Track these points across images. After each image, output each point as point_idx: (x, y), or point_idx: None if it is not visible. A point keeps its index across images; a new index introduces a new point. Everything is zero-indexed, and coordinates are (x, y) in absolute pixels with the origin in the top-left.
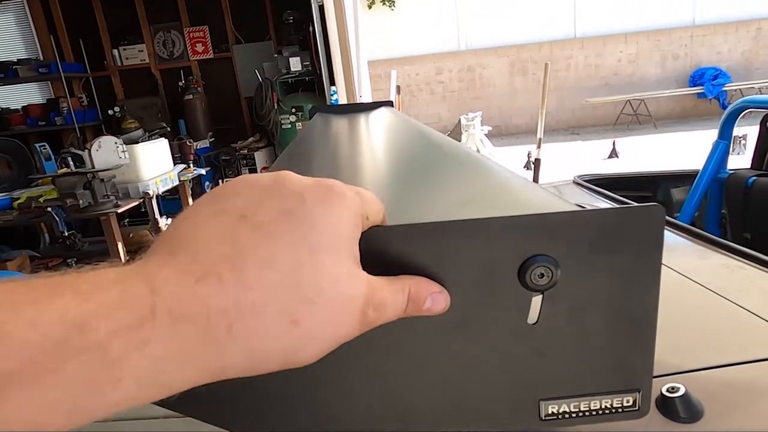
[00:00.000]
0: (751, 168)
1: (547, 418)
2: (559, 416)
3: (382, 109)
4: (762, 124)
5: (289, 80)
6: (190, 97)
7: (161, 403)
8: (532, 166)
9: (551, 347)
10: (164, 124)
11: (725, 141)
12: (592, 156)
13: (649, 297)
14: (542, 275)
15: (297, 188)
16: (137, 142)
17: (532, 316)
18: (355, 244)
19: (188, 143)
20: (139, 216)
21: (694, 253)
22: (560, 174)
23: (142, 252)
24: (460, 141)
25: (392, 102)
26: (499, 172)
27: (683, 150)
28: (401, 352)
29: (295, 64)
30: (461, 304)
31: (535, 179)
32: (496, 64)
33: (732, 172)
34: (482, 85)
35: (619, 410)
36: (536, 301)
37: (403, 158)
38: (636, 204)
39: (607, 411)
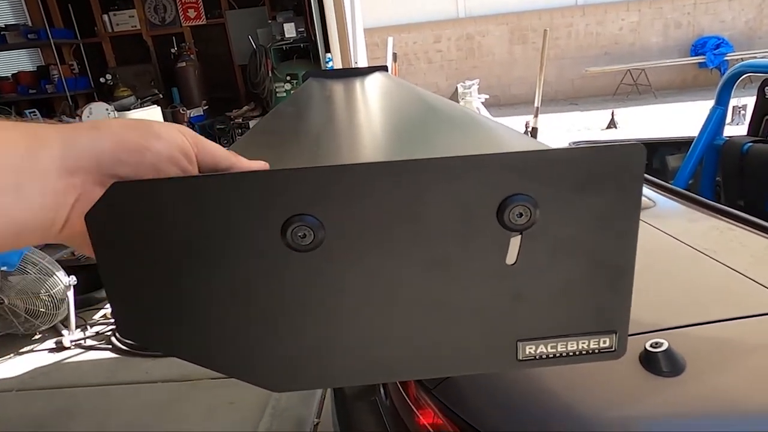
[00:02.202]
0: (748, 134)
1: (524, 359)
2: (537, 357)
3: (377, 74)
4: (760, 89)
5: (284, 47)
6: (183, 64)
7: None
8: (529, 135)
9: (529, 288)
10: (156, 91)
11: (722, 107)
12: (591, 126)
13: (628, 238)
14: (521, 215)
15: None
16: (129, 109)
17: (511, 256)
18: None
19: (182, 111)
20: None
21: (686, 216)
22: (561, 142)
23: None
24: None
25: (387, 67)
26: (492, 126)
27: (682, 121)
28: (374, 296)
29: (290, 30)
30: (438, 245)
31: None
32: (495, 32)
33: (728, 138)
34: (481, 53)
35: (596, 351)
36: (515, 241)
37: (397, 117)
38: (617, 143)
39: (584, 352)
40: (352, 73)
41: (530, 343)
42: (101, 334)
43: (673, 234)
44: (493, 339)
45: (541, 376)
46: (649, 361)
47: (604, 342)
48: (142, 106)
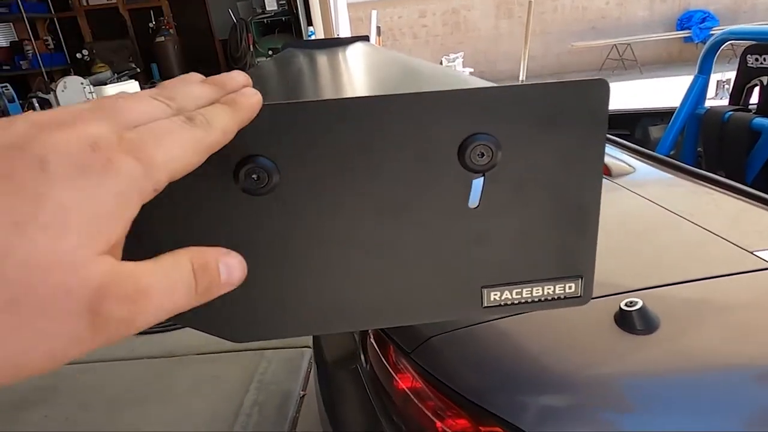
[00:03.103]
0: (730, 104)
1: (489, 305)
2: (502, 304)
3: (358, 43)
4: (742, 58)
5: (265, 20)
6: (162, 39)
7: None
8: None
9: (493, 232)
10: (134, 66)
11: (704, 76)
12: None
13: (593, 179)
14: (483, 154)
15: (43, 148)
16: (106, 84)
17: (473, 199)
18: (112, 225)
19: None
20: None
21: (664, 181)
22: None
23: None
24: None
25: (368, 37)
26: (469, 77)
27: (668, 96)
28: (332, 242)
29: (271, 3)
30: (397, 187)
31: None
32: (481, 6)
33: (709, 108)
34: (467, 28)
35: (562, 297)
36: (477, 183)
37: (373, 73)
38: (575, 80)
39: (549, 298)
40: (333, 43)
41: (495, 289)
42: None
43: (651, 198)
44: (456, 285)
45: (519, 337)
46: (623, 319)
47: (570, 287)
48: (119, 80)
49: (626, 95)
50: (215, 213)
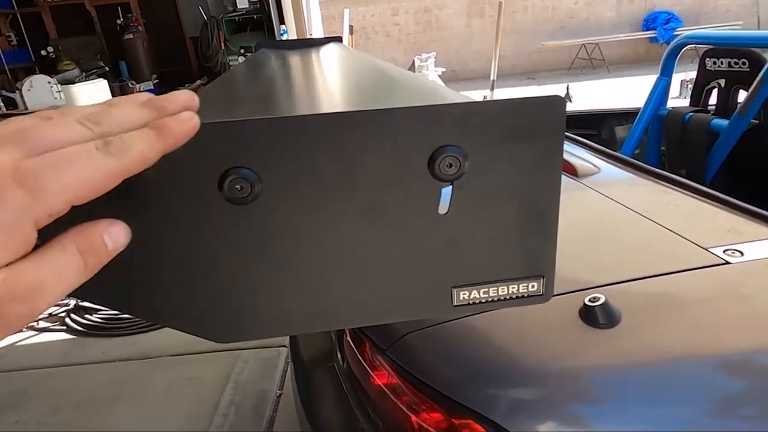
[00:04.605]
0: (691, 105)
1: (458, 304)
2: (470, 303)
3: (331, 44)
4: (701, 61)
5: (237, 18)
6: (131, 36)
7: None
8: None
9: (461, 236)
10: (102, 64)
11: (666, 78)
12: None
13: (552, 187)
14: (451, 165)
15: None
16: (74, 83)
17: (443, 206)
18: (2, 250)
19: (131, 85)
20: None
21: (627, 181)
22: None
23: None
24: None
25: (341, 38)
26: (439, 87)
27: (634, 95)
28: (312, 247)
29: (242, 1)
30: (372, 196)
31: None
32: (453, 6)
33: (671, 108)
34: (439, 27)
35: (525, 295)
36: (446, 191)
37: (346, 80)
38: (535, 96)
39: (514, 296)
40: (306, 44)
41: (464, 289)
42: (55, 315)
43: (614, 198)
44: (428, 286)
45: (490, 332)
46: (587, 314)
47: (533, 286)
48: (87, 79)
49: (595, 93)
50: (200, 220)
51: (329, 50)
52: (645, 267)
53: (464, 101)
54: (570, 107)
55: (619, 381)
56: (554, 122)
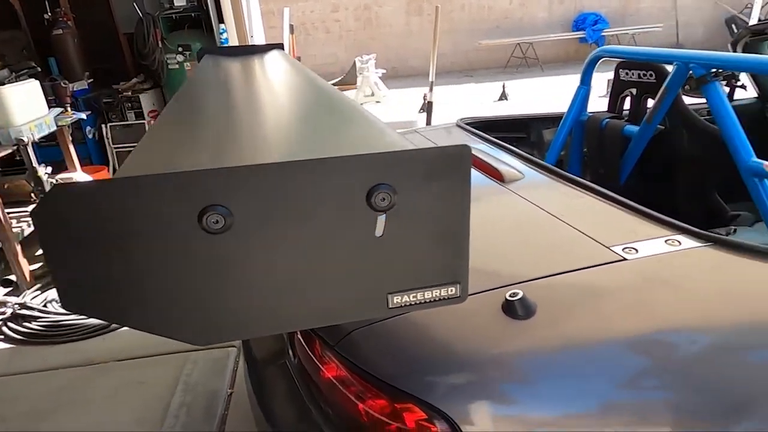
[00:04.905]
0: (608, 111)
1: (393, 306)
2: (402, 305)
3: (274, 53)
4: (616, 71)
5: (173, 16)
6: (60, 32)
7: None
8: (426, 108)
9: (394, 253)
10: (33, 64)
11: (586, 86)
12: (484, 98)
13: (463, 213)
14: (384, 199)
15: None
16: (2, 84)
17: (378, 230)
18: None
19: (63, 84)
20: (15, 165)
21: (547, 186)
22: (455, 115)
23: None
24: (355, 83)
25: (283, 45)
26: (371, 121)
27: (565, 92)
28: (273, 266)
29: None
30: (322, 224)
31: (428, 121)
32: (392, 3)
33: (591, 115)
34: (379, 24)
35: (446, 298)
36: (381, 219)
37: (289, 110)
38: (450, 145)
39: (437, 299)
40: (248, 51)
41: (397, 294)
42: None
43: (535, 201)
44: (369, 293)
45: (426, 327)
46: (508, 308)
47: (451, 290)
48: (18, 79)
49: (530, 91)
50: (183, 247)
51: (273, 68)
52: (557, 264)
53: (394, 150)
54: (507, 105)
55: (537, 364)
56: (462, 165)
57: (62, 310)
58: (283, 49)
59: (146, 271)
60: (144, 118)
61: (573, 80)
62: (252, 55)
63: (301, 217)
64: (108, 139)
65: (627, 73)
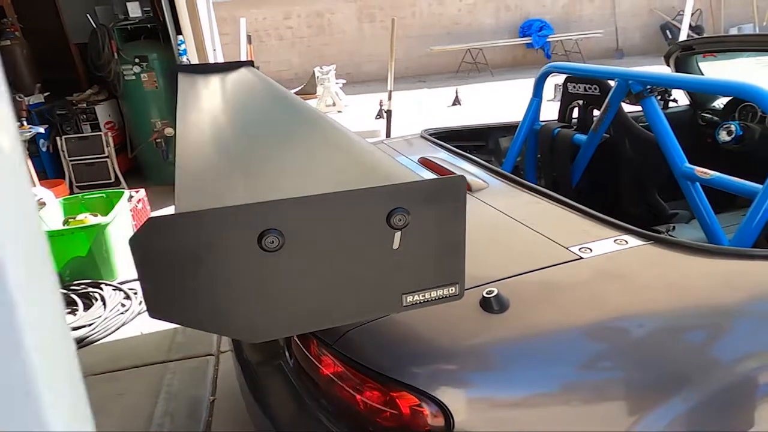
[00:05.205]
0: (558, 120)
1: (406, 305)
2: (414, 303)
3: (243, 72)
4: (564, 85)
5: (128, 27)
6: (8, 43)
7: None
8: (385, 115)
9: (407, 261)
10: None
11: (537, 98)
12: (438, 103)
13: (459, 228)
14: (401, 219)
15: None
16: None
17: (396, 244)
18: None
19: (18, 98)
20: None
21: (509, 193)
22: (412, 120)
23: None
24: (314, 93)
25: (252, 62)
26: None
27: (514, 96)
28: (315, 275)
29: (134, 9)
30: (352, 241)
31: (388, 129)
32: (344, 10)
33: (543, 124)
34: (332, 31)
35: (447, 296)
36: (398, 235)
37: (299, 136)
38: (449, 176)
39: (440, 297)
40: (220, 68)
41: (410, 294)
42: None
43: (500, 208)
44: (387, 294)
45: (414, 323)
46: (485, 304)
47: (452, 290)
48: None
49: (481, 96)
50: (246, 263)
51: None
52: (525, 264)
53: (408, 181)
54: (461, 110)
55: (510, 351)
56: (458, 191)
57: None
58: (252, 65)
59: (217, 284)
60: (100, 130)
61: (521, 84)
62: (224, 71)
63: (336, 236)
64: (63, 151)
65: (574, 86)
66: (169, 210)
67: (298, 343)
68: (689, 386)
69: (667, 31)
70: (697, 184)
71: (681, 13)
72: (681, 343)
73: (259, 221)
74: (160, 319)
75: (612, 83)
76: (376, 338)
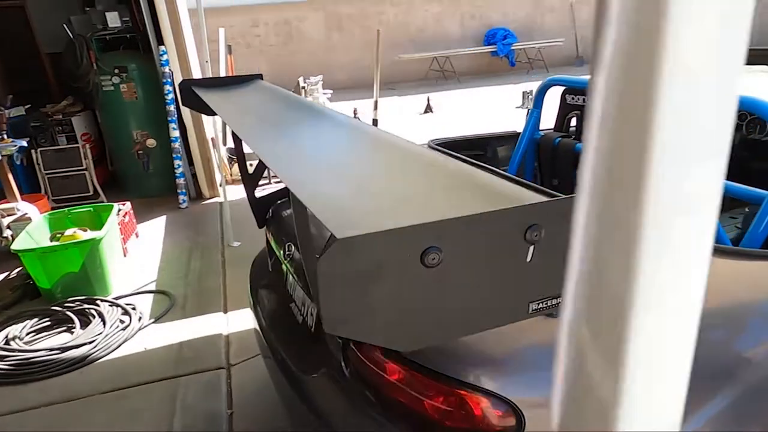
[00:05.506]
0: (555, 130)
1: (530, 312)
2: (537, 310)
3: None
4: (562, 96)
5: (107, 37)
6: None
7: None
8: (373, 123)
9: (536, 272)
10: None
11: (538, 110)
12: (409, 111)
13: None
14: (536, 234)
15: None
16: None
17: (529, 257)
18: None
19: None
20: None
21: None
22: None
23: None
24: None
25: (261, 75)
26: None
27: (482, 103)
28: (469, 286)
29: (113, 19)
30: (496, 254)
31: None
32: (312, 18)
33: (544, 134)
34: (300, 39)
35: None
36: (531, 248)
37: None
38: (567, 196)
39: (555, 304)
40: (229, 82)
41: (535, 302)
42: None
43: None
44: (518, 302)
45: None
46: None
47: None
48: None
49: (452, 104)
50: (410, 277)
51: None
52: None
53: (541, 200)
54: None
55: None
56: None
57: (27, 347)
58: (261, 78)
59: (386, 299)
60: (77, 142)
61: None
62: (233, 84)
63: (483, 250)
64: (39, 165)
65: (573, 98)
66: (156, 222)
67: (356, 351)
68: (731, 382)
69: None
70: None
71: None
72: (718, 340)
73: (423, 239)
74: (334, 333)
75: None
76: (445, 343)
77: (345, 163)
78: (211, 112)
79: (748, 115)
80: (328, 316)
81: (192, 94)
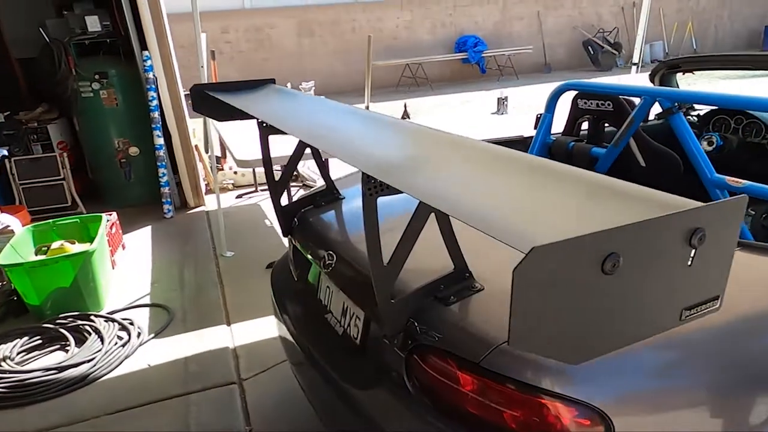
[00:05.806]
0: (564, 134)
1: (682, 319)
2: (688, 317)
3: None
4: (573, 101)
5: (86, 42)
6: None
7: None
8: None
9: (694, 277)
10: None
11: (550, 114)
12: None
13: (733, 243)
14: (700, 239)
15: None
16: None
17: (689, 261)
18: None
19: None
20: None
21: None
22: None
23: None
24: None
25: (274, 80)
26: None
27: (455, 109)
28: (639, 293)
29: (93, 23)
30: (662, 257)
31: None
32: (283, 25)
33: (555, 138)
34: (271, 45)
35: (710, 310)
36: (693, 252)
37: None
38: (736, 197)
39: (705, 311)
40: (241, 86)
41: (686, 309)
42: None
43: None
44: (673, 309)
45: None
46: None
47: (714, 304)
48: None
49: (426, 110)
50: (590, 285)
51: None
52: None
53: (704, 205)
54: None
55: (663, 357)
56: (740, 210)
57: (18, 368)
58: (274, 83)
59: (566, 309)
60: (54, 151)
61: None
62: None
63: (653, 254)
64: (13, 175)
65: (585, 102)
66: (141, 233)
67: (420, 363)
68: None
69: (589, 48)
70: (726, 191)
71: (601, 30)
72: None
73: (606, 246)
74: (521, 349)
75: (636, 100)
76: (522, 352)
77: (470, 176)
78: (226, 118)
79: (744, 119)
80: (518, 330)
81: (204, 98)
